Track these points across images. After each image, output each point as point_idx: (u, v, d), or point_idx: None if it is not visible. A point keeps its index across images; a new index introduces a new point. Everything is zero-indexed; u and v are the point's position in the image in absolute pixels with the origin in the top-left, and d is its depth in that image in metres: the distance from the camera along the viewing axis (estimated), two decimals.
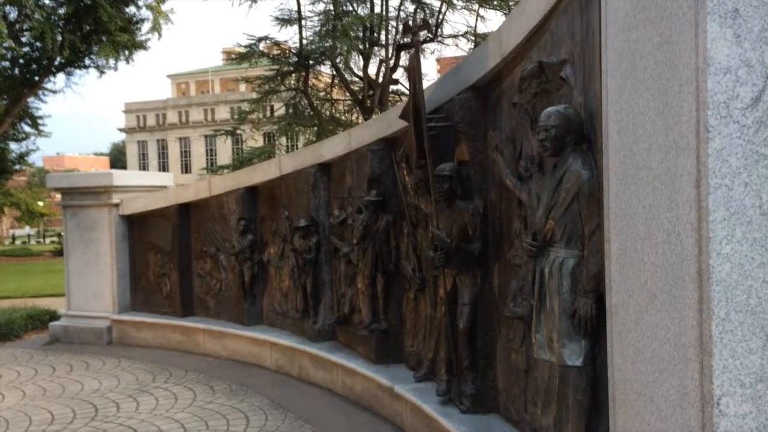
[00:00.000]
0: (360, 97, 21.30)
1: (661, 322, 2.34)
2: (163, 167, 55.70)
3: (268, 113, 24.15)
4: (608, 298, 2.91)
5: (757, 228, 1.96)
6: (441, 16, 20.42)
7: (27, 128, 26.02)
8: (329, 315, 7.48)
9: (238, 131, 24.64)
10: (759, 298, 1.98)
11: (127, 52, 22.66)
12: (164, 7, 21.91)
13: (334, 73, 21.56)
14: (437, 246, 5.10)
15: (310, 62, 20.99)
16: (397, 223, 6.28)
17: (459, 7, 20.24)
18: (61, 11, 21.13)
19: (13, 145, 27.32)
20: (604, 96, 2.86)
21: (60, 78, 22.29)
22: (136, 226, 9.90)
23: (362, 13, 20.69)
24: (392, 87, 21.75)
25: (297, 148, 27.09)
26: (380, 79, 20.99)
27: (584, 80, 3.35)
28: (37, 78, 22.60)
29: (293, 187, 7.72)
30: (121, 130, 60.17)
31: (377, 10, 20.46)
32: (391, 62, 20.98)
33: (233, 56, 29.45)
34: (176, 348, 9.21)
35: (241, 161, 23.22)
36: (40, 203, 38.54)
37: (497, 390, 4.90)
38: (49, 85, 25.96)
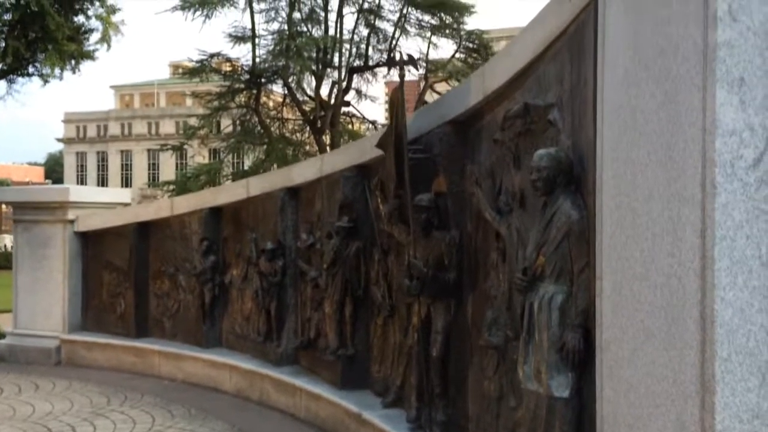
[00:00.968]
0: (311, 118, 21.38)
1: (658, 360, 2.50)
2: (103, 180, 54.35)
3: (216, 129, 23.90)
4: (598, 333, 3.07)
5: (757, 277, 2.15)
6: (394, 42, 20.73)
7: None
8: (293, 339, 7.49)
9: (185, 146, 24.34)
10: (757, 341, 2.16)
11: (73, 62, 22.16)
12: (115, 18, 21.54)
13: (286, 92, 21.60)
14: (413, 274, 5.22)
15: (262, 80, 20.98)
16: (368, 250, 6.38)
17: (412, 34, 20.63)
18: (7, 17, 20.55)
19: None
20: (599, 143, 3.05)
21: (1, 85, 21.54)
22: (91, 243, 9.69)
23: (316, 35, 20.84)
24: (344, 108, 21.94)
25: (244, 166, 26.94)
26: (332, 101, 21.14)
27: (573, 125, 3.54)
28: None
29: (261, 209, 7.74)
30: (59, 140, 58.46)
31: (331, 32, 20.66)
32: (344, 84, 21.17)
33: (182, 70, 29.12)
34: (129, 370, 9.02)
35: (187, 177, 22.91)
36: None
37: (468, 417, 5.02)
38: None
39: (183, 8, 19.65)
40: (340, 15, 20.47)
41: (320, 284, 6.87)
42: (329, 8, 20.56)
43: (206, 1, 19.66)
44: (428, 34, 20.40)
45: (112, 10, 20.09)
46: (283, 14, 20.59)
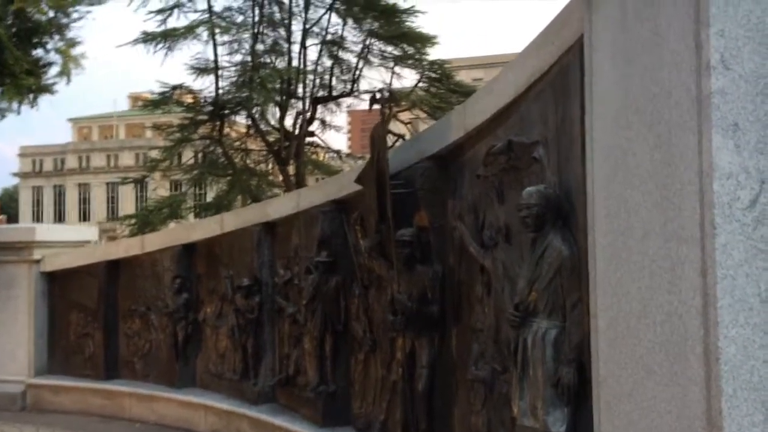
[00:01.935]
0: (276, 148, 21.38)
1: (660, 395, 2.56)
2: (60, 215, 53.22)
3: (178, 161, 23.68)
4: (594, 369, 3.12)
5: (757, 314, 2.22)
6: (358, 72, 20.95)
7: None
8: (270, 376, 7.40)
9: (147, 179, 24.05)
10: (760, 377, 2.23)
11: (32, 96, 21.77)
12: (76, 51, 21.28)
13: (250, 123, 21.59)
14: (397, 309, 5.23)
15: (226, 112, 20.95)
16: (347, 284, 6.37)
17: (375, 65, 20.87)
18: None
19: None
20: (589, 182, 3.13)
21: None
22: (58, 283, 9.47)
23: (280, 66, 20.93)
24: (308, 139, 22.00)
25: (206, 198, 26.71)
26: (296, 131, 21.19)
27: (559, 162, 3.63)
28: None
29: (236, 245, 7.68)
30: (15, 174, 57.16)
31: (295, 63, 20.78)
32: (308, 114, 21.27)
33: (141, 102, 28.77)
34: (98, 413, 8.78)
35: (149, 210, 22.64)
36: None
37: None
38: None
39: (145, 41, 19.61)
40: (303, 46, 20.64)
41: (299, 320, 6.83)
42: (292, 40, 20.75)
43: (168, 33, 19.67)
44: (391, 64, 20.68)
45: (72, 43, 19.84)
46: (246, 46, 20.69)
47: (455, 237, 4.96)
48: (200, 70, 20.67)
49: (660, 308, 2.54)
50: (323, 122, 22.08)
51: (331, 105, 21.90)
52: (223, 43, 20.29)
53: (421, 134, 5.39)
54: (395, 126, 21.76)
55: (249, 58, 20.38)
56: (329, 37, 20.63)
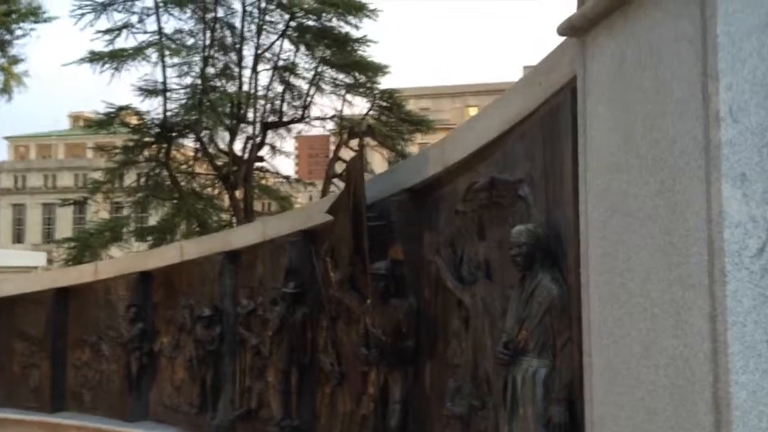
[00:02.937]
0: (224, 173, 21.09)
1: None
2: None
3: (120, 183, 23.04)
4: (588, 409, 3.14)
5: (765, 360, 2.28)
6: (309, 99, 20.91)
7: None
8: (230, 410, 7.19)
9: (90, 201, 23.34)
10: None
11: None
12: (18, 69, 20.64)
13: (198, 146, 21.27)
14: (370, 343, 5.18)
15: (173, 134, 20.60)
16: (315, 316, 6.28)
17: (327, 92, 20.88)
18: None
19: None
20: (583, 222, 3.18)
21: None
22: (2, 311, 9.04)
23: (231, 90, 20.75)
24: (257, 164, 21.79)
25: (149, 222, 26.08)
26: (246, 156, 20.97)
27: (547, 201, 3.68)
28: None
29: (197, 273, 7.49)
30: None
31: (246, 88, 20.63)
32: (258, 139, 21.09)
33: (83, 121, 27.99)
34: None
35: (90, 233, 21.99)
36: None
37: None
38: None
39: (92, 61, 19.16)
40: (254, 71, 20.50)
41: (262, 352, 6.69)
42: (244, 65, 20.58)
43: (116, 54, 19.26)
44: (342, 92, 20.72)
45: (15, 60, 19.24)
46: (197, 69, 20.42)
47: (431, 271, 4.96)
48: (148, 92, 20.28)
49: (664, 351, 2.58)
50: (273, 147, 21.91)
51: (282, 130, 21.78)
52: (173, 65, 19.97)
53: (397, 166, 5.42)
54: (346, 152, 21.81)
55: (199, 81, 20.13)
56: (281, 62, 20.57)
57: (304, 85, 20.80)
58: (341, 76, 20.56)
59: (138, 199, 21.81)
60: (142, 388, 8.09)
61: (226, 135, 20.93)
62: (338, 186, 21.61)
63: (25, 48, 28.75)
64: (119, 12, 19.63)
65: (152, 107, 20.35)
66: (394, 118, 20.89)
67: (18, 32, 18.80)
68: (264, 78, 20.74)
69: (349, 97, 20.75)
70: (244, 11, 19.98)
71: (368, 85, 20.49)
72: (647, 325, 2.68)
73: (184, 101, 20.53)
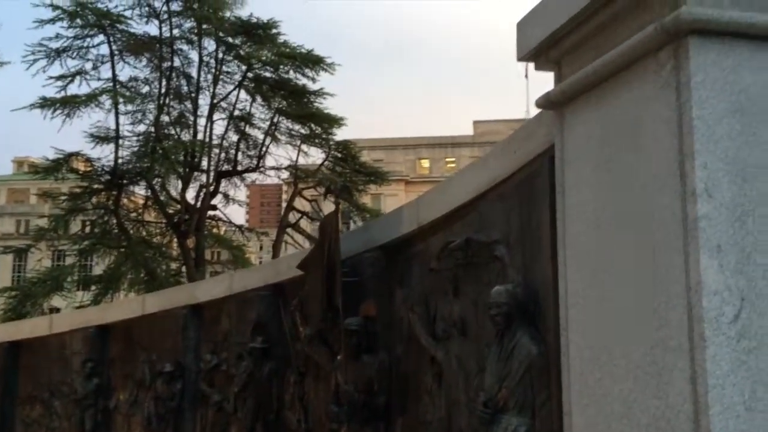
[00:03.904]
0: (175, 221, 20.86)
1: None
2: None
3: (64, 230, 22.49)
4: None
5: (743, 421, 2.44)
6: (264, 148, 21.04)
7: None
8: None
9: (33, 249, 22.68)
10: None
11: None
12: None
13: (149, 194, 21.05)
14: (341, 400, 5.20)
15: (124, 182, 20.37)
16: (281, 372, 6.26)
17: (283, 142, 21.06)
18: None
19: None
20: (562, 284, 3.33)
21: None
22: None
23: (185, 138, 20.71)
24: (210, 212, 21.65)
25: (92, 270, 25.44)
26: (198, 204, 20.84)
27: (523, 262, 3.83)
28: None
29: (157, 328, 7.38)
30: None
31: (200, 136, 20.63)
32: (211, 188, 21.01)
33: (30, 167, 27.41)
34: None
35: (33, 282, 21.37)
36: None
37: None
38: None
39: (43, 106, 18.92)
40: (210, 120, 20.59)
41: (226, 408, 6.60)
42: (199, 113, 20.66)
43: (69, 100, 19.11)
44: (298, 142, 20.93)
45: None
46: (151, 117, 20.38)
47: (403, 327, 5.05)
48: (100, 139, 20.13)
49: (646, 411, 2.72)
50: (226, 196, 21.87)
51: (235, 179, 21.78)
52: (127, 113, 19.93)
53: (370, 224, 5.53)
54: (299, 202, 21.89)
55: (152, 129, 20.05)
56: (237, 112, 20.73)
57: (259, 135, 21.00)
58: (297, 127, 20.82)
59: (84, 247, 21.36)
60: None
61: (179, 183, 20.81)
62: (291, 235, 21.62)
63: None
64: (73, 58, 19.58)
65: (103, 154, 20.16)
66: (349, 169, 21.15)
67: None
68: (219, 127, 20.81)
69: (304, 147, 20.98)
70: (201, 61, 20.16)
71: (324, 136, 20.78)
72: (629, 386, 2.81)
73: (136, 148, 20.42)
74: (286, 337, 6.14)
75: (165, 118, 20.30)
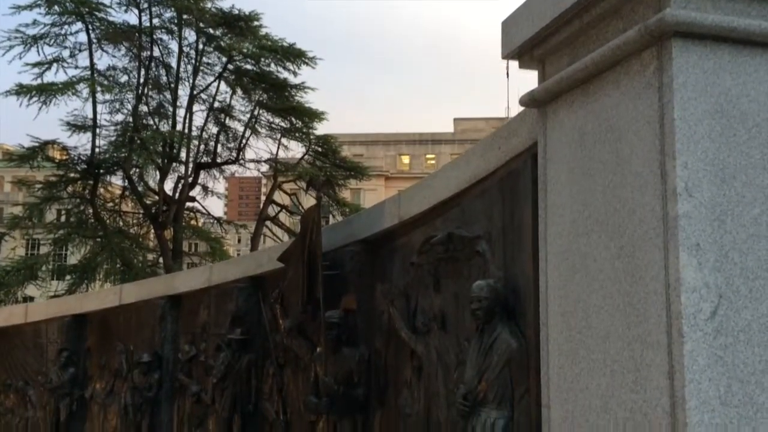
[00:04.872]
0: (153, 212, 20.68)
1: None
2: None
3: (39, 219, 22.20)
4: None
5: (718, 415, 2.50)
6: (244, 141, 20.91)
7: None
8: None
9: (7, 238, 22.37)
10: None
11: None
12: None
13: (127, 184, 20.83)
14: (321, 391, 5.22)
15: (101, 171, 20.13)
16: (260, 363, 6.26)
17: (263, 135, 20.95)
18: None
19: None
20: (543, 281, 3.38)
21: None
22: None
23: (164, 129, 20.51)
24: (188, 204, 21.50)
25: (67, 260, 25.12)
26: (176, 196, 20.67)
27: (505, 258, 3.87)
28: None
29: (135, 318, 7.34)
30: None
31: (179, 127, 20.45)
32: (190, 179, 20.85)
33: (4, 155, 26.98)
34: None
35: (6, 272, 21.07)
36: None
37: None
38: None
39: (18, 93, 18.61)
40: (189, 111, 20.40)
41: (203, 399, 6.59)
42: (178, 104, 20.47)
43: (45, 88, 18.80)
44: (278, 135, 20.83)
45: None
46: (129, 106, 20.16)
47: (383, 320, 5.07)
48: (77, 127, 19.85)
49: (623, 405, 2.77)
50: (205, 188, 21.72)
51: (214, 171, 21.64)
52: (104, 102, 19.68)
53: (352, 218, 5.54)
54: (279, 195, 21.81)
55: (131, 119, 19.84)
56: (217, 104, 20.57)
57: (239, 127, 20.86)
58: (277, 120, 20.72)
59: (59, 236, 21.09)
60: None
61: (157, 174, 20.62)
62: (270, 228, 21.55)
63: None
64: (50, 45, 19.30)
65: (80, 143, 19.91)
66: (329, 163, 21.10)
67: None
68: (199, 118, 20.64)
69: (284, 141, 20.88)
70: (181, 51, 19.97)
71: (304, 130, 20.69)
72: (606, 381, 2.87)
73: (114, 138, 20.18)
74: (265, 328, 6.14)
75: (143, 108, 20.10)
